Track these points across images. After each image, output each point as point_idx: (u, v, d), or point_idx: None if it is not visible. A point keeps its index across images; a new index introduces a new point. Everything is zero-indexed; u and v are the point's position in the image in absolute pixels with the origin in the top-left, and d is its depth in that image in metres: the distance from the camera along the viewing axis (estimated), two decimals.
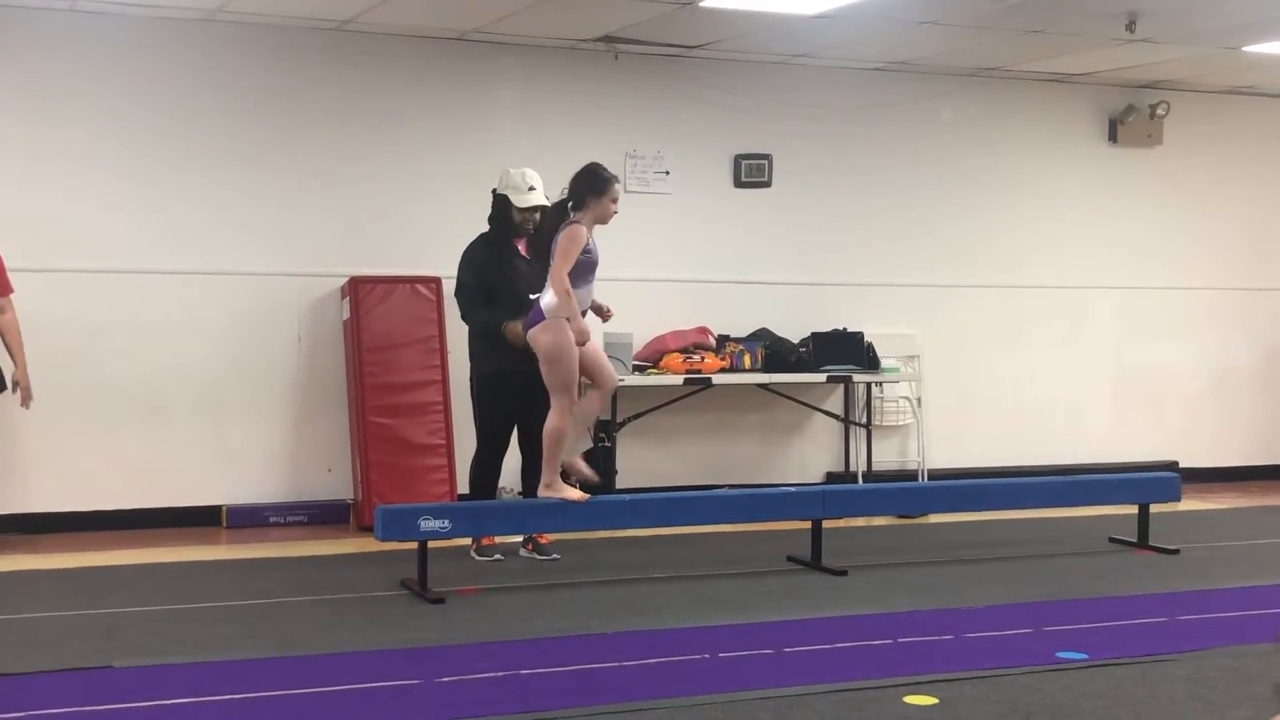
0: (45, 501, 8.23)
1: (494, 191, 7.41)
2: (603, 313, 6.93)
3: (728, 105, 9.61)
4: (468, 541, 7.40)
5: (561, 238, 6.46)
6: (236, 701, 4.75)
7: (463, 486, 8.72)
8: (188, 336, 8.49)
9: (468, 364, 7.62)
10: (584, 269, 6.52)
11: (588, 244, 6.50)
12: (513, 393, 7.20)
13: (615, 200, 6.63)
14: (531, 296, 6.74)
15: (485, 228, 7.50)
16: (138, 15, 8.22)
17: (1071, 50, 9.27)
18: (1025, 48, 9.18)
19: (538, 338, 6.53)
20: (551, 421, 6.59)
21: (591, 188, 6.54)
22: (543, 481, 6.71)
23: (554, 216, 6.65)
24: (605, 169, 6.66)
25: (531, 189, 7.26)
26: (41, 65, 8.17)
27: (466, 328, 7.49)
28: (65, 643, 5.53)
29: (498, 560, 7.31)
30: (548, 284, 6.51)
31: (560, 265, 6.42)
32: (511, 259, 7.31)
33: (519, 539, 7.54)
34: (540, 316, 6.52)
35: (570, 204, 6.56)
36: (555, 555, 7.42)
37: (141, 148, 8.38)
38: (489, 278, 7.28)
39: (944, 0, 7.98)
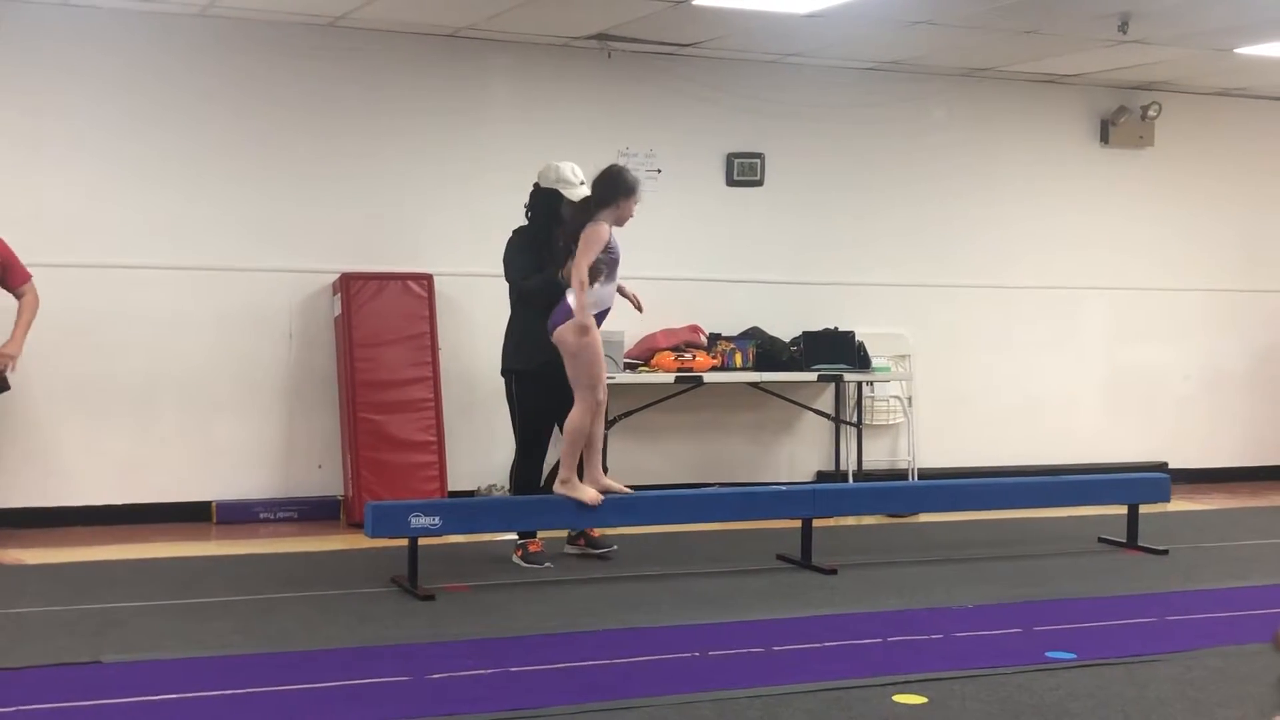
0: (35, 497, 8.21)
1: (536, 185, 7.21)
2: (634, 302, 6.99)
3: (720, 104, 9.62)
4: (461, 539, 7.39)
5: (585, 233, 6.48)
6: (226, 697, 4.75)
7: (462, 483, 8.77)
8: (178, 332, 8.48)
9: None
10: (608, 267, 6.54)
11: (610, 242, 6.52)
12: (548, 390, 6.96)
13: (637, 203, 6.67)
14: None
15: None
16: (131, 9, 8.21)
17: (1063, 51, 9.29)
18: (1017, 48, 9.19)
19: (564, 336, 6.53)
20: (574, 418, 6.62)
21: (619, 189, 6.57)
22: (559, 478, 6.71)
23: (578, 214, 6.62)
24: (629, 172, 6.70)
25: (582, 183, 7.04)
26: (32, 58, 8.16)
27: (505, 326, 7.30)
28: (55, 638, 5.52)
29: (548, 567, 7.10)
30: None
31: (581, 260, 6.43)
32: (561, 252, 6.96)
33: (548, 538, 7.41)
34: (565, 314, 6.51)
35: (594, 202, 6.58)
36: (613, 545, 7.37)
37: (133, 143, 8.37)
38: (540, 268, 7.00)
39: (937, 0, 7.99)
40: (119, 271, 8.35)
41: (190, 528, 8.34)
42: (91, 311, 8.29)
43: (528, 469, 7.26)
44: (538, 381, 7.06)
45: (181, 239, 8.47)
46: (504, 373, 7.30)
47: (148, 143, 8.40)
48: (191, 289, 8.50)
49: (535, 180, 7.25)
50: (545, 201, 7.16)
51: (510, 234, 7.26)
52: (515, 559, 7.20)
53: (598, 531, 7.40)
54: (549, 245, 7.00)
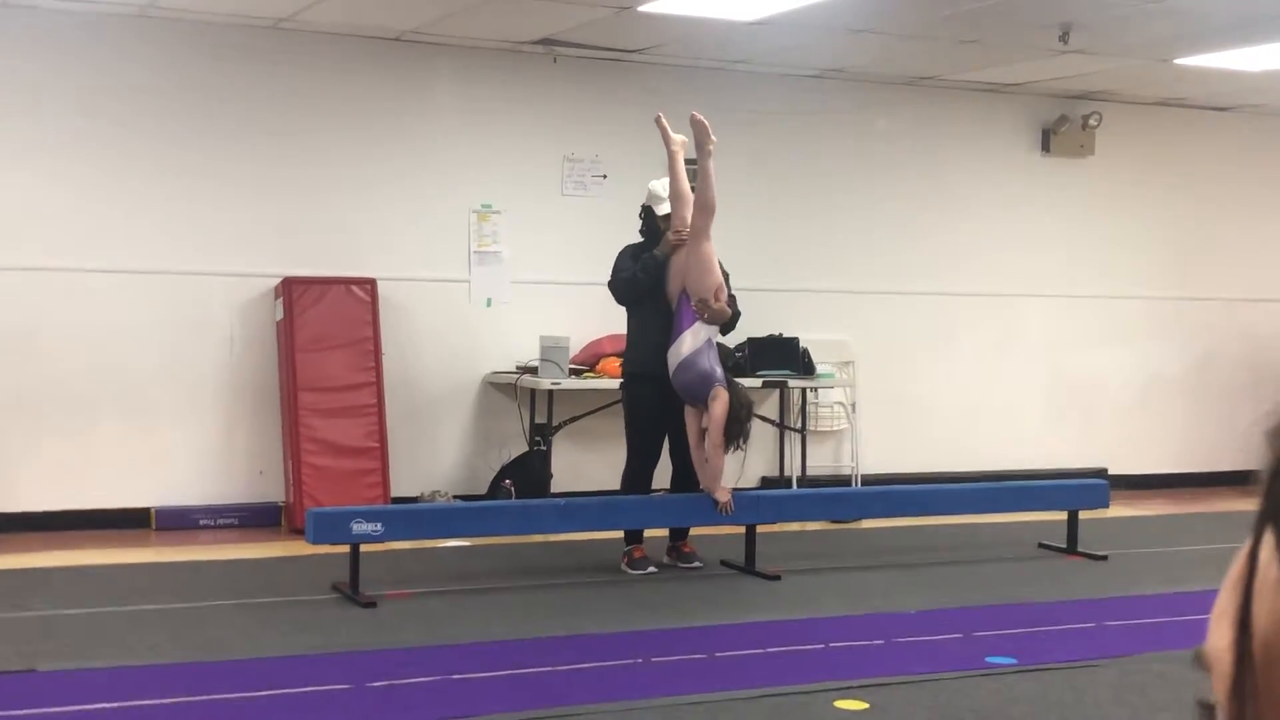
0: None
1: (643, 205, 7.44)
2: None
3: (666, 110, 9.60)
4: (404, 545, 7.36)
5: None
6: (164, 706, 4.70)
7: (405, 489, 8.71)
8: (118, 336, 8.38)
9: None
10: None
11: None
12: (660, 396, 7.04)
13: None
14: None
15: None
16: (67, 10, 8.11)
17: (1005, 60, 9.36)
18: (960, 57, 9.25)
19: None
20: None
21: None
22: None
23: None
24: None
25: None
26: None
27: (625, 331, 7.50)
28: None
29: (652, 573, 7.15)
30: (703, 350, 6.84)
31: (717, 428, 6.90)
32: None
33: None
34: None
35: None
36: (698, 563, 7.34)
37: (72, 145, 8.27)
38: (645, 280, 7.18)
39: (880, 9, 8.03)
40: (57, 275, 8.24)
41: (129, 534, 8.24)
42: (29, 316, 8.18)
43: (631, 481, 7.33)
44: (648, 384, 7.14)
45: (121, 242, 8.37)
46: (620, 380, 7.53)
47: (87, 145, 8.30)
48: (131, 293, 8.41)
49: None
50: (646, 219, 7.41)
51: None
52: (622, 566, 7.25)
53: (690, 547, 7.44)
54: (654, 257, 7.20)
